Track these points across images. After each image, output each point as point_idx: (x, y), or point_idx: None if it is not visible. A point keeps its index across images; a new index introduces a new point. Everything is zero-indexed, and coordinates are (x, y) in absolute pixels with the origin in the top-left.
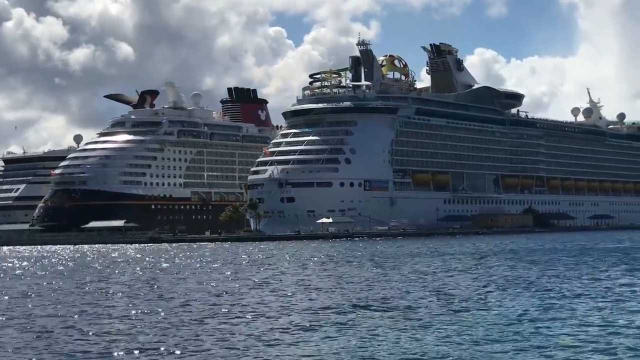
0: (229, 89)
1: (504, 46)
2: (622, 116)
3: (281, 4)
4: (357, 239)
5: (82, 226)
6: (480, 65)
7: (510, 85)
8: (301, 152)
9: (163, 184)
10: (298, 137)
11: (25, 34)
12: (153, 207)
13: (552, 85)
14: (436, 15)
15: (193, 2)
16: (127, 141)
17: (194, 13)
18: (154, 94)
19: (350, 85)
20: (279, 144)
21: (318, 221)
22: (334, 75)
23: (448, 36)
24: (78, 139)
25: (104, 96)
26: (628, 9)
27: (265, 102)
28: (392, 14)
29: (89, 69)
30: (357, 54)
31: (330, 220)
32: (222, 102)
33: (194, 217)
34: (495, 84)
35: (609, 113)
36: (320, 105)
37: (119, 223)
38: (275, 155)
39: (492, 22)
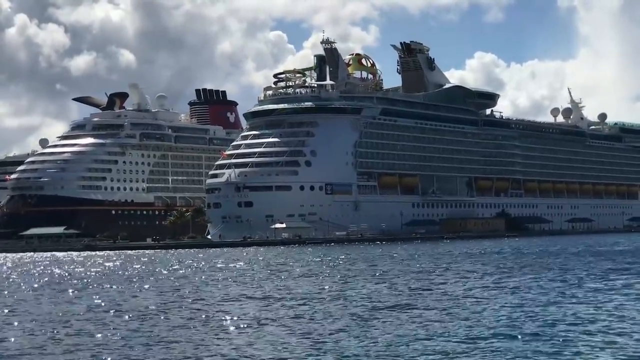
0: (197, 90)
1: (503, 50)
2: (603, 116)
3: (280, 10)
4: (306, 245)
5: (21, 233)
6: (481, 69)
7: (510, 89)
8: (260, 154)
9: (124, 189)
10: (257, 139)
11: (27, 41)
12: (113, 212)
13: (553, 88)
14: (433, 21)
15: (193, 8)
16: (87, 144)
17: (194, 19)
18: (123, 96)
19: (315, 85)
20: (238, 146)
21: (272, 226)
22: (298, 75)
23: (447, 41)
24: (44, 142)
25: (73, 99)
26: (627, 12)
27: (235, 103)
28: (390, 20)
29: (91, 75)
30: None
31: (284, 225)
32: (190, 104)
33: (157, 222)
34: (496, 88)
35: (591, 114)
36: (281, 106)
37: (59, 230)
38: (234, 158)
39: (491, 27)
